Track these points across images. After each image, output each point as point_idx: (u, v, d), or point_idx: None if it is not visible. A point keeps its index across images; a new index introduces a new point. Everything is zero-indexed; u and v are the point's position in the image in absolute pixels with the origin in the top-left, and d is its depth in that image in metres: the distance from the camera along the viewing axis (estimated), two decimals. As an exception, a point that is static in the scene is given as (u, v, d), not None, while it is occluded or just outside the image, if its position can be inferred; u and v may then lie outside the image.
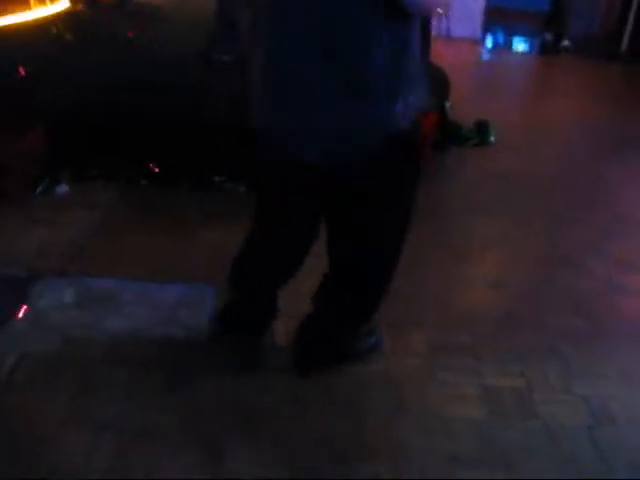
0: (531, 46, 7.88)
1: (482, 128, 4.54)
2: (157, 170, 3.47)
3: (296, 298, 2.21)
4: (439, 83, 4.14)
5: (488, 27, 7.83)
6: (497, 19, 7.81)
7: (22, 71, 3.39)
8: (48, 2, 3.95)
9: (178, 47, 3.74)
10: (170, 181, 3.48)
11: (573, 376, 2.31)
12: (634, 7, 7.09)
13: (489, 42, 7.84)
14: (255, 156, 1.87)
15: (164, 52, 3.71)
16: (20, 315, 2.35)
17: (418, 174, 1.96)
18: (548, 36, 7.56)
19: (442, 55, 5.30)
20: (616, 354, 2.47)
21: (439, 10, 1.60)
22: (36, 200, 3.26)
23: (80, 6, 4.24)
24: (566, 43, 7.44)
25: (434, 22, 5.84)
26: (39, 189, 3.30)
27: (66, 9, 4.11)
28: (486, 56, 7.39)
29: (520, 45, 7.96)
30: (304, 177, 1.81)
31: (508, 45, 7.88)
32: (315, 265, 2.09)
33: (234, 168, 3.43)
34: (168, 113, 3.38)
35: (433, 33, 4.76)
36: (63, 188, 3.35)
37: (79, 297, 2.48)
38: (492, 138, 4.52)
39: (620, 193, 4.02)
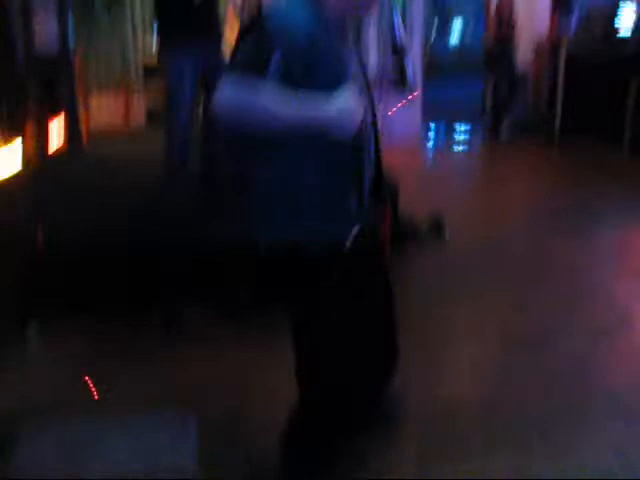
0: (472, 136, 8.24)
1: (435, 223, 4.70)
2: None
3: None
4: (388, 183, 4.31)
5: (428, 121, 8.16)
6: (436, 113, 8.15)
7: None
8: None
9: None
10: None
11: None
12: (560, 92, 7.50)
13: (430, 136, 8.15)
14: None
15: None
16: None
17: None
18: (488, 124, 7.96)
19: (386, 155, 5.49)
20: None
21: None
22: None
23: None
24: (505, 130, 7.82)
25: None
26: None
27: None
28: (428, 150, 7.67)
29: (461, 136, 8.30)
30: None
31: (449, 137, 8.20)
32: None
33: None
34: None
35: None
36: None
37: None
38: (446, 231, 4.68)
39: (576, 266, 4.21)
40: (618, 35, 7.49)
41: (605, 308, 3.64)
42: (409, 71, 2.02)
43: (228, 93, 1.64)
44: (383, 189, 1.92)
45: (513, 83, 7.81)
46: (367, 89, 1.85)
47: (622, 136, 6.75)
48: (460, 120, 8.44)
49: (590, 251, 4.50)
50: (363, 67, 1.90)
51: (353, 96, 1.67)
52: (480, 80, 8.47)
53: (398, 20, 2.08)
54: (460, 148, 8.06)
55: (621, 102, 6.66)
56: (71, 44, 5.45)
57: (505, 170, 6.79)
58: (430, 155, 7.56)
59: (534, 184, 6.10)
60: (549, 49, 7.85)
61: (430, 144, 8.00)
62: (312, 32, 1.69)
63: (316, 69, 1.68)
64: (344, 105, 1.65)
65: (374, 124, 1.86)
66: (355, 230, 1.83)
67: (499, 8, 7.75)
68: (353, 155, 1.79)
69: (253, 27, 1.72)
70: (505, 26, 7.65)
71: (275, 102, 1.63)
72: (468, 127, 8.39)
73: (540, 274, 4.15)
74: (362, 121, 1.71)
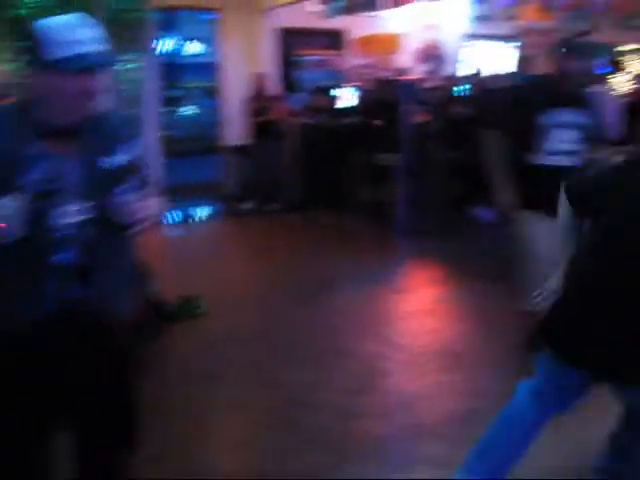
0: (214, 212, 8.40)
1: (188, 301, 4.65)
2: None
3: None
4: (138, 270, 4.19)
5: (169, 204, 8.15)
6: (176, 195, 8.18)
7: None
8: None
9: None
10: None
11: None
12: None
13: (173, 218, 8.13)
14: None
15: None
16: None
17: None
18: (228, 201, 8.18)
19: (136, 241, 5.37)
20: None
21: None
22: None
23: None
24: (249, 205, 8.08)
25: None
26: None
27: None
28: (173, 232, 7.61)
29: (203, 213, 8.42)
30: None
31: (193, 216, 8.26)
32: None
33: None
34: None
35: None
36: None
37: None
38: (200, 309, 4.64)
39: (331, 328, 4.43)
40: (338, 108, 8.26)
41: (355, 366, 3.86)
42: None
43: None
44: (93, 278, 1.87)
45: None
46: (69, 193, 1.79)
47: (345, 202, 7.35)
48: (201, 196, 8.62)
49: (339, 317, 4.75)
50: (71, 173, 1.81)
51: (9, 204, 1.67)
52: (218, 160, 8.76)
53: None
54: (204, 221, 8.18)
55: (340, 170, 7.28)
56: None
57: (250, 240, 6.98)
58: (174, 233, 7.53)
59: (283, 255, 6.33)
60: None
61: (173, 222, 8.01)
62: None
63: None
64: None
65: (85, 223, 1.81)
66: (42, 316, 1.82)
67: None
68: (23, 257, 1.78)
69: None
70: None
71: None
72: (211, 205, 8.55)
73: (294, 338, 4.28)
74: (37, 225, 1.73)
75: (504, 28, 9.94)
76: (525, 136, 3.44)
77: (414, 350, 4.11)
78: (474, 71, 8.13)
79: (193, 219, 8.20)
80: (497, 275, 4.62)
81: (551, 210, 2.50)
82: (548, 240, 2.88)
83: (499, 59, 9.79)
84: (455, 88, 8.09)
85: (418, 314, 4.76)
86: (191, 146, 11.07)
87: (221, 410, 3.41)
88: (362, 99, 8.24)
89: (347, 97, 8.40)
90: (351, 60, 9.58)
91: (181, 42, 15.55)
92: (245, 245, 6.95)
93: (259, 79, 8.26)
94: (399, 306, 4.98)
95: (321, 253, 6.23)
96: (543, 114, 3.41)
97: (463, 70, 9.40)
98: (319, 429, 3.12)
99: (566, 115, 3.44)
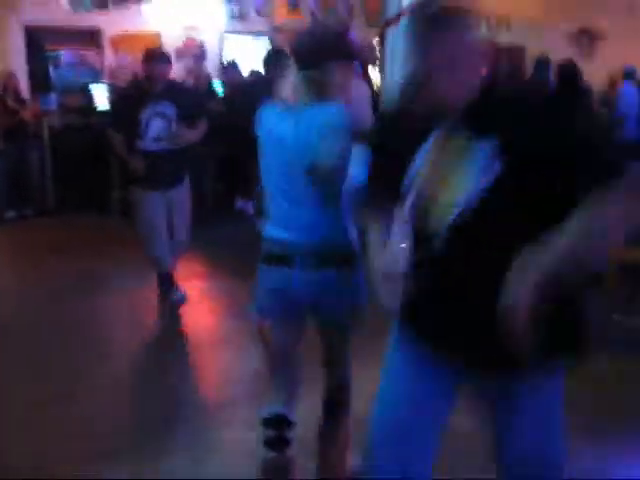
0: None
1: None
2: None
3: None
4: None
5: None
6: None
7: None
8: None
9: None
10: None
11: None
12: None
13: None
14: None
15: None
16: None
17: None
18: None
19: None
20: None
21: None
22: None
23: None
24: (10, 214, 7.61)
25: None
26: None
27: None
28: None
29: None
30: None
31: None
32: None
33: None
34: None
35: None
36: None
37: None
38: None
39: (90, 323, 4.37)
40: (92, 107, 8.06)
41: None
42: None
43: None
44: None
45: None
46: None
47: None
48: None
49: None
50: None
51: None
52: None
53: None
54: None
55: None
56: None
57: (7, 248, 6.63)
58: None
59: (40, 255, 6.09)
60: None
61: None
62: None
63: None
64: None
65: None
66: None
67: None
68: None
69: None
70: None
71: None
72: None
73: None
74: None
75: (259, 25, 10.31)
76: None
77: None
78: (227, 69, 8.28)
79: None
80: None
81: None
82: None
83: (256, 55, 10.06)
84: (210, 84, 8.25)
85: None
86: None
87: None
88: (115, 98, 8.09)
89: (102, 96, 8.19)
90: (108, 58, 9.36)
91: None
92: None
93: (7, 78, 7.76)
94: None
95: (80, 252, 6.08)
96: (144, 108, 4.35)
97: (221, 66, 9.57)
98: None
99: (160, 107, 4.39)
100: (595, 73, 8.55)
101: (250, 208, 7.09)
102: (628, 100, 8.26)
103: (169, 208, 4.57)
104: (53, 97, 8.40)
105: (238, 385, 3.61)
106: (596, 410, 3.18)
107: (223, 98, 7.90)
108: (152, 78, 4.43)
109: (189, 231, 4.77)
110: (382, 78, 6.23)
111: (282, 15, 10.37)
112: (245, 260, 3.03)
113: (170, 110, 4.42)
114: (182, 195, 4.65)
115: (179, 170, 4.60)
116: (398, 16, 4.97)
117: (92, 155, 7.19)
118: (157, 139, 4.41)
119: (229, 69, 8.11)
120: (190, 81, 8.72)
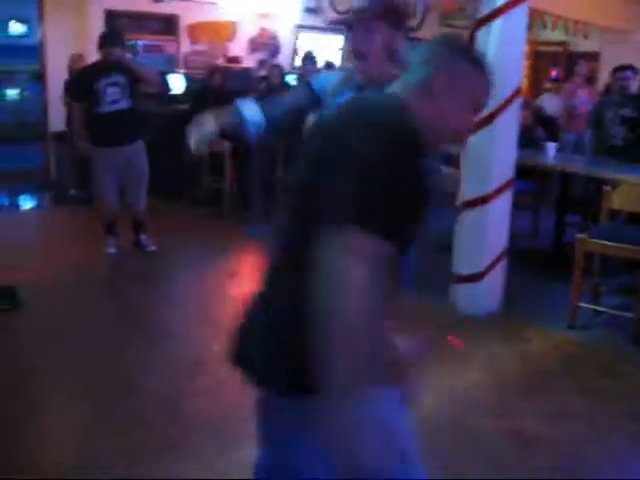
0: (39, 201, 8.01)
1: (6, 292, 4.43)
2: None
3: None
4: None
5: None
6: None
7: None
8: None
9: None
10: None
11: None
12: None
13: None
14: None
15: None
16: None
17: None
18: (53, 189, 7.83)
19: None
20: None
21: None
22: None
23: None
24: (72, 192, 7.76)
25: None
26: None
27: None
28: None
29: (27, 202, 8.00)
30: None
31: (14, 205, 7.82)
32: None
33: None
34: None
35: None
36: None
37: None
38: (17, 299, 4.42)
39: (161, 312, 4.44)
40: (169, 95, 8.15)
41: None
42: None
43: None
44: None
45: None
46: None
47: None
48: (23, 184, 8.21)
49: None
50: None
51: None
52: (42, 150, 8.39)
53: None
54: (28, 210, 7.77)
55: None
56: None
57: (75, 232, 6.74)
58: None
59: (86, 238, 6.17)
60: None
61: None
62: None
63: None
64: None
65: None
66: None
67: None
68: None
69: None
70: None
71: None
72: (32, 191, 8.16)
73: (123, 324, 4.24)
74: None
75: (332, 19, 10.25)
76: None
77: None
78: (304, 61, 8.28)
79: (16, 207, 7.77)
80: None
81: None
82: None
83: (329, 50, 10.05)
84: (285, 77, 8.25)
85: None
86: (14, 132, 10.43)
87: (47, 402, 3.32)
88: (192, 86, 8.17)
89: (178, 84, 8.29)
90: (184, 46, 9.47)
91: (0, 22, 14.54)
92: (71, 234, 6.68)
93: (79, 61, 7.78)
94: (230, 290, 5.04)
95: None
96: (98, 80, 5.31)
97: (298, 60, 9.58)
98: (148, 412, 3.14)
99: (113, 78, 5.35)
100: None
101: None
102: None
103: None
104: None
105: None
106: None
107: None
108: None
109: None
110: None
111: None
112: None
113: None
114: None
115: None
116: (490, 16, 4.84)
117: (169, 143, 7.24)
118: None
119: (306, 62, 8.10)
120: (263, 72, 8.77)
